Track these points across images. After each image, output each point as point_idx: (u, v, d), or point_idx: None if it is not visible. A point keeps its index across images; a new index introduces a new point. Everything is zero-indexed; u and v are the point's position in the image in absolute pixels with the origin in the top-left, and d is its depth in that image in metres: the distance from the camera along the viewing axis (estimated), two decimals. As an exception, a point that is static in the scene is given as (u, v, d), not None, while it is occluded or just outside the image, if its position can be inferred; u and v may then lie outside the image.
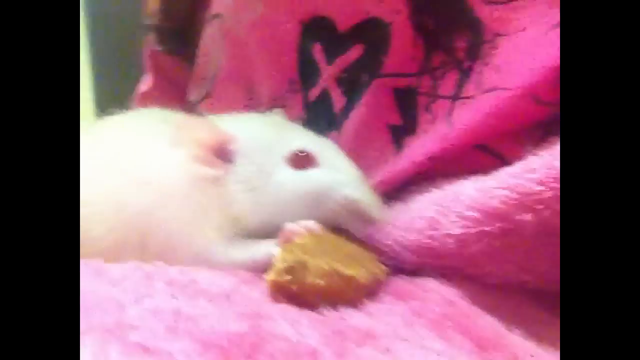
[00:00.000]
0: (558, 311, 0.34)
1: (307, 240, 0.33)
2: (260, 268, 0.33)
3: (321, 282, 0.29)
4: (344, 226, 0.37)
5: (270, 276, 0.30)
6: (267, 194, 0.36)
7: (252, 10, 0.48)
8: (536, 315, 0.34)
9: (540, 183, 0.31)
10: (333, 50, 0.44)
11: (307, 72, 0.45)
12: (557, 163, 0.30)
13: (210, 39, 0.54)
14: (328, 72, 0.44)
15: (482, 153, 0.38)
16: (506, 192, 0.32)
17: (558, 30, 0.35)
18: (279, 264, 0.30)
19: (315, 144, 0.38)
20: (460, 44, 0.39)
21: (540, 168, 0.31)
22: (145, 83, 0.64)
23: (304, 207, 0.36)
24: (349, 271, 0.30)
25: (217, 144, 0.36)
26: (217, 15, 0.53)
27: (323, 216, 0.36)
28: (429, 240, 0.35)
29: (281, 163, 0.36)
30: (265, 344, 0.24)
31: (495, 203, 0.32)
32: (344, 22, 0.43)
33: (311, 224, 0.34)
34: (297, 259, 0.30)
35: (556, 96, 0.35)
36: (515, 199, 0.31)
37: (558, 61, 0.35)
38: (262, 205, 0.36)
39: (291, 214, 0.35)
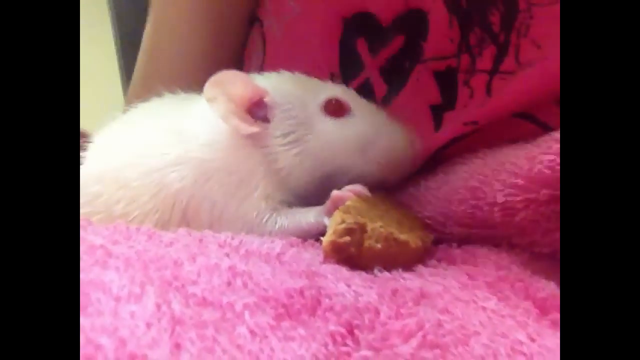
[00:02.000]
0: None
1: (358, 204, 0.32)
2: (310, 235, 0.33)
3: (378, 246, 0.29)
4: (385, 173, 0.37)
5: (329, 237, 0.29)
6: (311, 144, 0.35)
7: (290, 12, 0.49)
8: None
9: None
10: (376, 43, 0.44)
11: (349, 65, 0.45)
12: None
13: (251, 42, 0.55)
14: (372, 64, 0.44)
15: (526, 122, 0.38)
16: (551, 157, 0.32)
17: None
18: (338, 225, 0.29)
19: (347, 94, 0.38)
20: (495, 17, 0.38)
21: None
22: None
23: (349, 155, 0.36)
24: (403, 236, 0.30)
25: (252, 98, 0.36)
26: (256, 19, 0.54)
27: (372, 170, 0.36)
28: (473, 210, 0.35)
29: (318, 113, 0.36)
30: (324, 299, 0.24)
31: (540, 168, 0.32)
32: (385, 16, 0.43)
33: (359, 188, 0.34)
34: (356, 220, 0.29)
35: None
36: (558, 164, 0.31)
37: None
38: (308, 156, 0.35)
39: (337, 164, 0.36)
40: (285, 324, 0.23)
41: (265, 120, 0.36)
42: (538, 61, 0.37)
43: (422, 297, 0.26)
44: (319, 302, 0.24)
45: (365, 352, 0.21)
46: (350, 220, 0.29)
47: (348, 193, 0.33)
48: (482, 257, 0.33)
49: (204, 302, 0.23)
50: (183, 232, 0.30)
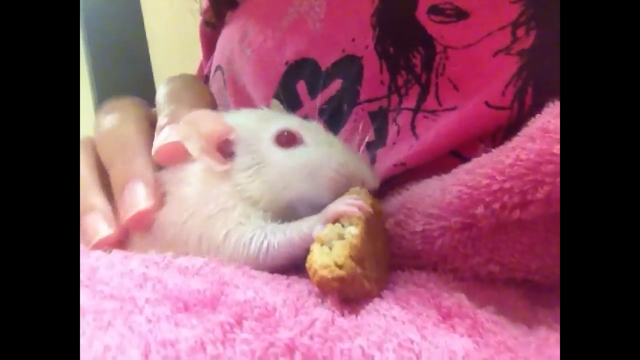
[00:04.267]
0: (538, 299, 0.36)
1: (359, 230, 0.31)
2: (304, 249, 0.32)
3: (368, 288, 0.30)
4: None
5: (321, 273, 0.28)
6: (268, 176, 0.37)
7: (245, 57, 0.54)
8: (514, 303, 0.36)
9: (488, 176, 0.33)
10: (316, 86, 0.48)
11: (287, 104, 0.49)
12: (504, 158, 0.33)
13: (216, 89, 0.60)
14: (310, 105, 0.48)
15: (453, 158, 0.41)
16: (460, 187, 0.35)
17: (505, 53, 0.40)
18: (327, 266, 0.28)
19: (300, 124, 0.39)
20: (417, 59, 0.43)
21: (488, 163, 0.34)
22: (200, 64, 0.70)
23: (303, 182, 0.37)
24: (370, 286, 0.30)
25: (221, 136, 0.38)
26: (218, 67, 0.59)
27: (323, 193, 0.36)
28: (400, 240, 0.37)
29: (271, 145, 0.38)
30: (224, 297, 0.26)
31: (451, 198, 0.35)
32: (324, 62, 0.48)
33: (359, 203, 0.33)
34: (353, 271, 0.28)
35: (505, 100, 0.39)
36: (468, 193, 0.34)
37: (507, 77, 0.39)
38: (268, 187, 0.37)
39: (293, 192, 0.37)
40: (181, 315, 0.25)
41: (232, 155, 0.38)
42: (458, 104, 0.41)
43: (324, 303, 0.28)
44: (218, 300, 0.26)
45: (245, 336, 0.23)
46: (350, 266, 0.28)
47: (352, 208, 0.33)
48: (400, 279, 0.35)
49: (109, 297, 0.25)
50: (115, 252, 0.33)
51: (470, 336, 0.28)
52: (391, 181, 0.42)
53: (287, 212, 0.37)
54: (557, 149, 0.32)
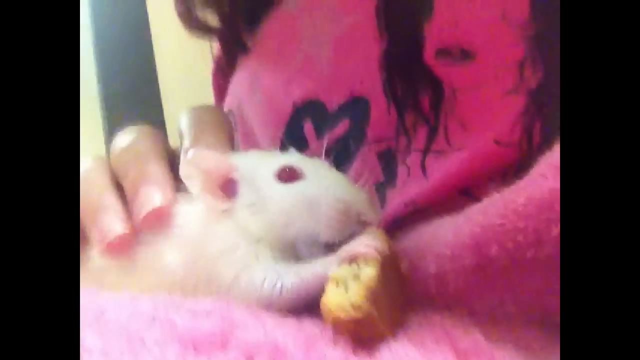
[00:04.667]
0: (555, 338, 0.35)
1: (374, 273, 0.31)
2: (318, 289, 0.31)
3: (382, 330, 0.29)
4: (337, 233, 0.36)
5: (336, 313, 0.28)
6: (270, 212, 0.37)
7: (255, 100, 0.55)
8: (532, 343, 0.35)
9: (501, 216, 0.33)
10: (323, 127, 0.49)
11: (293, 144, 0.49)
12: (516, 197, 0.33)
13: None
14: (317, 145, 0.49)
15: (463, 198, 0.40)
16: (473, 228, 0.34)
17: (513, 94, 0.40)
18: (342, 307, 0.28)
19: (303, 161, 0.39)
20: (425, 101, 0.44)
21: (501, 202, 0.34)
22: None
23: (301, 216, 0.36)
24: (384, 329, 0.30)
25: (224, 175, 0.38)
26: (229, 112, 0.60)
27: (324, 228, 0.36)
28: (412, 284, 0.37)
29: (274, 181, 0.38)
30: (235, 338, 0.26)
31: (464, 239, 0.34)
32: (332, 103, 0.49)
33: (375, 244, 0.33)
34: (367, 310, 0.28)
35: (513, 137, 0.39)
36: (481, 234, 0.34)
37: (514, 115, 0.39)
38: (271, 224, 0.36)
39: (295, 227, 0.36)
40: (190, 356, 0.24)
41: (235, 194, 0.38)
42: (467, 143, 0.41)
43: (336, 343, 0.28)
44: (228, 341, 0.26)
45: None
46: (366, 308, 0.28)
47: (369, 249, 0.32)
48: (414, 319, 0.34)
49: (117, 337, 0.25)
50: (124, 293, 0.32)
51: None
52: (402, 222, 0.42)
53: (289, 249, 0.36)
54: None
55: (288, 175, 0.38)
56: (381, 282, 0.30)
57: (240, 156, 0.41)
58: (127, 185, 0.39)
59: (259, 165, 0.39)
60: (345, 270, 0.31)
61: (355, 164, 0.46)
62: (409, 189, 0.43)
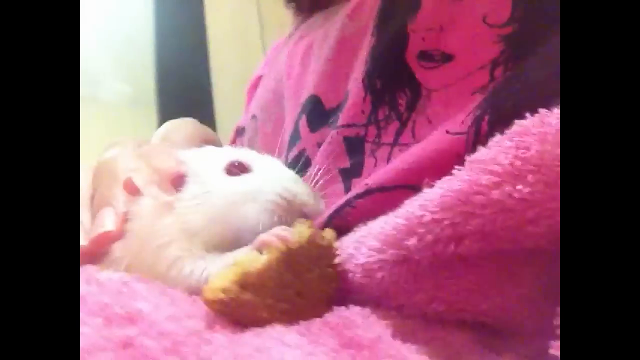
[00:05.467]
0: (489, 344, 0.33)
1: (264, 260, 0.32)
2: None
3: (264, 316, 0.30)
4: (281, 222, 0.37)
5: (205, 294, 0.30)
6: (215, 204, 0.38)
7: (278, 105, 0.58)
8: (459, 346, 0.33)
9: (422, 208, 0.32)
10: (316, 123, 0.50)
11: (292, 136, 0.52)
12: (439, 190, 0.32)
13: (248, 138, 0.64)
14: (307, 137, 0.50)
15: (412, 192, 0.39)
16: (397, 219, 0.34)
17: (481, 93, 0.39)
18: (212, 289, 0.30)
19: (252, 156, 0.40)
20: (402, 100, 0.44)
21: (426, 194, 0.33)
22: None
23: (243, 206, 0.37)
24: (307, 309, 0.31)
25: (174, 170, 0.39)
26: (253, 117, 0.63)
27: (265, 217, 0.37)
28: (346, 274, 0.36)
29: (222, 175, 0.39)
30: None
31: (388, 230, 0.34)
32: (329, 102, 0.50)
33: (283, 233, 0.34)
34: (233, 294, 0.30)
35: (463, 127, 0.38)
36: (403, 224, 0.33)
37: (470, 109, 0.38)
38: (214, 215, 0.38)
39: (239, 218, 0.37)
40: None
41: (181, 185, 0.40)
42: (428, 137, 0.40)
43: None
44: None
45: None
46: (232, 291, 0.29)
47: (272, 238, 0.34)
48: (331, 313, 0.34)
49: None
50: None
51: None
52: (360, 198, 0.42)
53: (231, 240, 0.37)
54: (486, 179, 0.30)
55: (236, 168, 0.39)
56: (279, 271, 0.31)
57: (193, 152, 0.42)
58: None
59: (210, 161, 0.41)
60: (245, 257, 0.32)
61: (323, 146, 0.47)
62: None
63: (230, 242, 0.37)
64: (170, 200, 0.38)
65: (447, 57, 0.42)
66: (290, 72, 0.58)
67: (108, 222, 0.39)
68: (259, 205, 0.38)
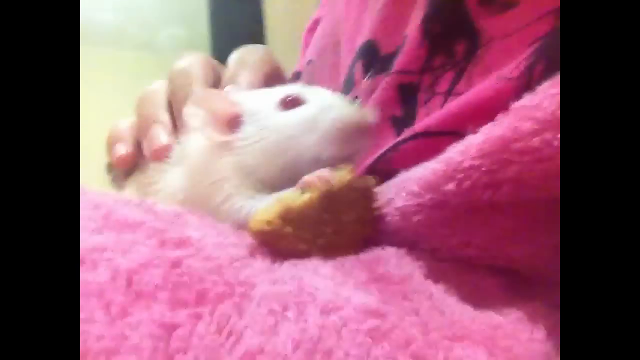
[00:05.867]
0: (520, 291, 0.34)
1: (304, 198, 0.34)
2: None
3: (303, 248, 0.33)
4: (338, 150, 0.38)
5: (250, 225, 0.32)
6: (271, 139, 0.39)
7: (334, 50, 0.58)
8: (488, 290, 0.34)
9: (462, 154, 0.32)
10: (371, 68, 0.50)
11: (347, 84, 0.52)
12: (481, 136, 0.32)
13: (305, 82, 0.64)
14: (363, 85, 0.50)
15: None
16: (436, 165, 0.34)
17: (534, 45, 0.38)
18: (258, 220, 0.32)
19: (305, 89, 0.41)
20: (460, 47, 0.42)
21: (468, 140, 0.33)
22: None
23: (300, 137, 0.38)
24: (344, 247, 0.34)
25: (230, 112, 0.41)
26: (310, 61, 0.63)
27: (318, 143, 0.38)
28: (384, 217, 0.38)
29: (276, 111, 0.40)
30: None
31: (427, 175, 0.34)
32: (387, 46, 0.49)
33: (326, 173, 0.35)
34: (276, 226, 0.32)
35: (514, 73, 0.37)
36: (442, 170, 0.33)
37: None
38: (270, 150, 0.39)
39: (294, 150, 0.38)
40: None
41: (238, 126, 0.41)
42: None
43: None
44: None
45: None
46: (275, 224, 0.32)
47: (312, 178, 0.35)
48: (367, 251, 0.35)
49: None
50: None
51: (383, 297, 0.28)
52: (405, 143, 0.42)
53: (290, 182, 0.37)
54: (527, 126, 0.30)
55: (290, 102, 0.40)
56: (317, 208, 0.33)
57: (248, 94, 0.44)
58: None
59: (263, 99, 0.42)
60: (288, 195, 0.34)
61: (377, 92, 0.47)
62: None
63: (288, 179, 0.38)
64: (227, 140, 0.40)
65: (511, 3, 0.40)
66: (347, 15, 0.57)
67: (162, 137, 0.45)
68: (317, 135, 0.38)
